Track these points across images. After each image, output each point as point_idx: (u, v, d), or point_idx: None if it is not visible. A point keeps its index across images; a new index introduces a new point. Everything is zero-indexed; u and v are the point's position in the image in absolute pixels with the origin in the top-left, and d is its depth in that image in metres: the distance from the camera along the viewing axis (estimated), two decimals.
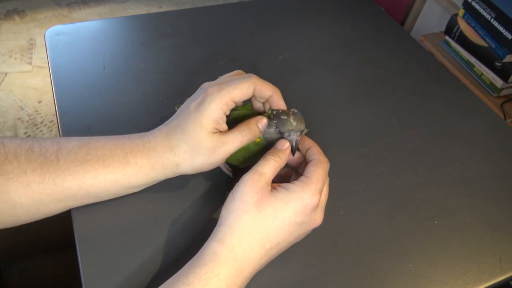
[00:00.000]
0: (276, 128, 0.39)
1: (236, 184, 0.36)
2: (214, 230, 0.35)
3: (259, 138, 0.41)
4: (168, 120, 0.41)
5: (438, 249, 0.42)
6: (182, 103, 0.51)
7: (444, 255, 0.42)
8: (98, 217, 0.41)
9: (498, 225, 0.45)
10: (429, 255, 0.42)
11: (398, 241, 0.42)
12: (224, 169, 0.46)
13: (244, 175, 0.36)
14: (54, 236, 0.68)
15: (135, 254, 0.38)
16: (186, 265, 0.34)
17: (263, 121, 0.40)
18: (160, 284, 0.36)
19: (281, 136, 0.40)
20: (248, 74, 0.40)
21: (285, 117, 0.39)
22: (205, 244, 0.35)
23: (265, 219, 0.34)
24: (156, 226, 0.41)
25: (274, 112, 0.40)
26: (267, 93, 0.39)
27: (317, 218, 0.37)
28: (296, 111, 0.40)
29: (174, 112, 0.51)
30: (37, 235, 0.68)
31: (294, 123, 0.39)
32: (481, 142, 0.54)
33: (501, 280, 0.41)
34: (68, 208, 0.39)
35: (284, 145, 0.38)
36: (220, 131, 0.38)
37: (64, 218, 0.39)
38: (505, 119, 1.07)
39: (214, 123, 0.37)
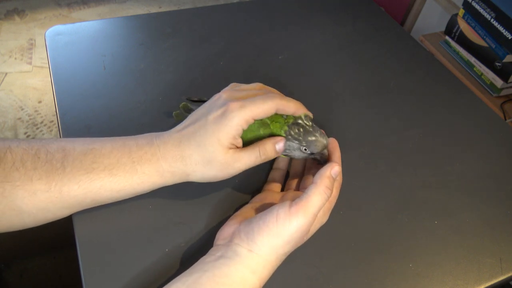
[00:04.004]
0: (306, 150, 0.39)
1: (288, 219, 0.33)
2: (241, 250, 0.34)
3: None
4: (181, 126, 0.40)
5: (438, 249, 0.42)
6: (178, 109, 0.50)
7: (444, 255, 0.42)
8: (98, 217, 0.41)
9: (498, 225, 0.45)
10: (429, 255, 0.42)
11: (398, 241, 0.42)
12: None
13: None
14: (54, 236, 0.68)
15: (135, 254, 0.38)
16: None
17: (280, 143, 0.39)
18: (160, 284, 0.36)
19: (310, 155, 0.40)
20: (272, 94, 0.39)
21: (313, 138, 0.38)
22: (230, 263, 0.33)
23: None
24: (156, 226, 0.41)
25: (295, 132, 0.39)
26: (290, 111, 0.39)
27: None
28: (313, 125, 0.39)
29: (171, 116, 0.51)
30: (37, 235, 0.68)
31: (324, 141, 0.39)
32: (481, 142, 0.54)
33: (501, 280, 0.41)
34: (73, 213, 0.39)
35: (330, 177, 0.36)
36: (236, 147, 0.38)
37: (64, 218, 0.39)
38: (505, 119, 1.07)
39: (231, 139, 0.37)
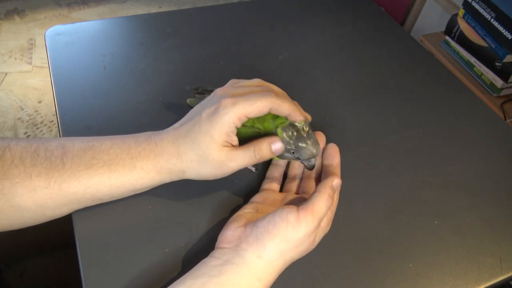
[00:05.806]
0: (294, 153, 0.39)
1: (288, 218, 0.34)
2: (249, 256, 0.33)
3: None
4: (178, 123, 0.40)
5: (438, 249, 0.42)
6: (191, 86, 0.50)
7: (444, 255, 0.42)
8: (98, 217, 0.41)
9: (498, 225, 0.45)
10: (429, 255, 0.42)
11: (398, 241, 0.42)
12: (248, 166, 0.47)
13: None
14: (54, 236, 0.68)
15: (135, 254, 0.38)
16: None
17: (276, 144, 0.38)
18: (159, 284, 0.36)
19: (298, 159, 0.40)
20: (267, 92, 0.38)
21: (303, 145, 0.38)
22: (237, 270, 0.33)
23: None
24: (156, 226, 0.41)
25: (288, 134, 0.38)
26: (285, 112, 0.38)
27: None
28: (310, 131, 0.39)
29: (179, 107, 0.51)
30: (37, 235, 0.68)
31: (314, 150, 0.38)
32: (481, 142, 0.54)
33: (501, 280, 0.41)
34: (72, 211, 0.39)
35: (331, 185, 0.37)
36: (232, 145, 0.38)
37: (64, 218, 0.39)
38: (505, 119, 1.07)
39: (225, 136, 0.36)
